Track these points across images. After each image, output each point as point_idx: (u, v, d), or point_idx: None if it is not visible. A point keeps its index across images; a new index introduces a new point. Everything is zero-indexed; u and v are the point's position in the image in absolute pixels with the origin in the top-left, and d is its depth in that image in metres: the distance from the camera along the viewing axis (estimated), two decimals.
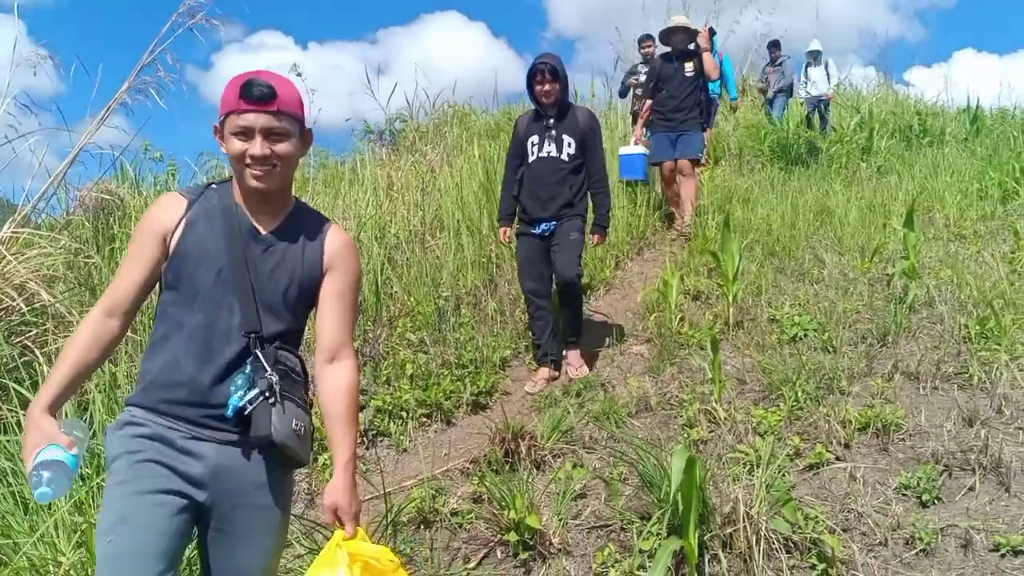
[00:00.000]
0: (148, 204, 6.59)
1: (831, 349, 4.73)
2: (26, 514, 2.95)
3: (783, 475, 3.44)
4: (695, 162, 7.74)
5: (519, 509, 3.30)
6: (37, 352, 3.90)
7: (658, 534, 3.10)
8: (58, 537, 2.88)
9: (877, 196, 8.07)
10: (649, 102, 7.96)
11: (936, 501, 3.33)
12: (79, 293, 4.77)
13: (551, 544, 3.31)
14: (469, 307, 6.07)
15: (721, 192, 8.79)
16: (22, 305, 4.05)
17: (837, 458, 3.66)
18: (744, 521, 3.03)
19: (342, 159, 10.37)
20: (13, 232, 4.55)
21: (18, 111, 5.18)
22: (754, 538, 3.01)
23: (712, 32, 8.70)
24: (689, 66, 7.59)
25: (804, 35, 27.23)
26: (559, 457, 4.04)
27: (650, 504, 3.35)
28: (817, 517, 3.16)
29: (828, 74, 12.08)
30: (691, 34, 7.66)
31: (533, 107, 5.18)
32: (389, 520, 3.48)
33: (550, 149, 5.02)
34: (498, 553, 3.39)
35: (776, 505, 3.16)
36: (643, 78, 8.97)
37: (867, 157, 10.06)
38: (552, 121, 5.02)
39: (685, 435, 4.01)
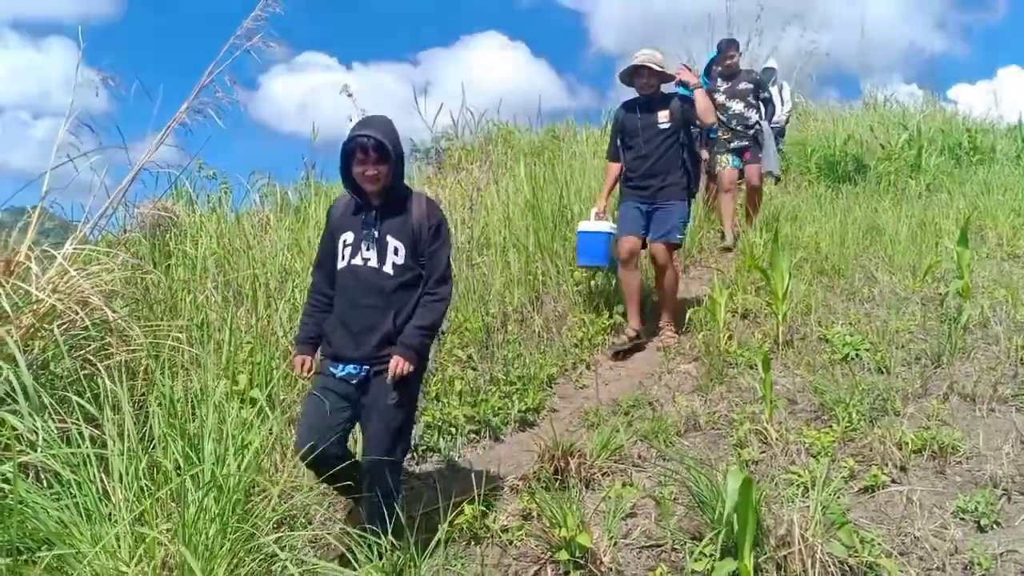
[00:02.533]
0: (203, 222, 6.77)
1: (884, 370, 4.67)
2: (89, 524, 3.01)
3: (838, 497, 3.41)
4: (672, 247, 5.85)
5: (570, 527, 3.30)
6: (99, 365, 3.99)
7: (711, 555, 3.08)
8: (120, 548, 2.94)
9: (927, 214, 7.96)
10: (614, 167, 6.14)
11: (995, 526, 3.28)
12: (138, 308, 4.88)
13: (602, 563, 3.31)
14: (516, 324, 6.10)
15: (769, 209, 8.72)
16: (86, 319, 4.16)
17: (893, 481, 3.61)
18: (799, 544, 3.01)
19: None
20: (75, 248, 4.67)
21: (78, 129, 5.31)
22: (809, 561, 2.99)
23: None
24: (663, 115, 5.86)
25: (850, 53, 26.97)
26: (608, 475, 4.04)
27: (702, 525, 3.33)
28: (873, 541, 3.12)
29: (782, 99, 10.36)
30: (662, 77, 5.94)
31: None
32: (441, 536, 3.50)
33: (368, 256, 3.43)
34: (548, 571, 3.39)
35: (832, 528, 3.13)
36: (722, 98, 8.03)
37: (916, 175, 9.93)
38: (375, 215, 3.45)
39: (736, 455, 3.99)
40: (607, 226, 6.07)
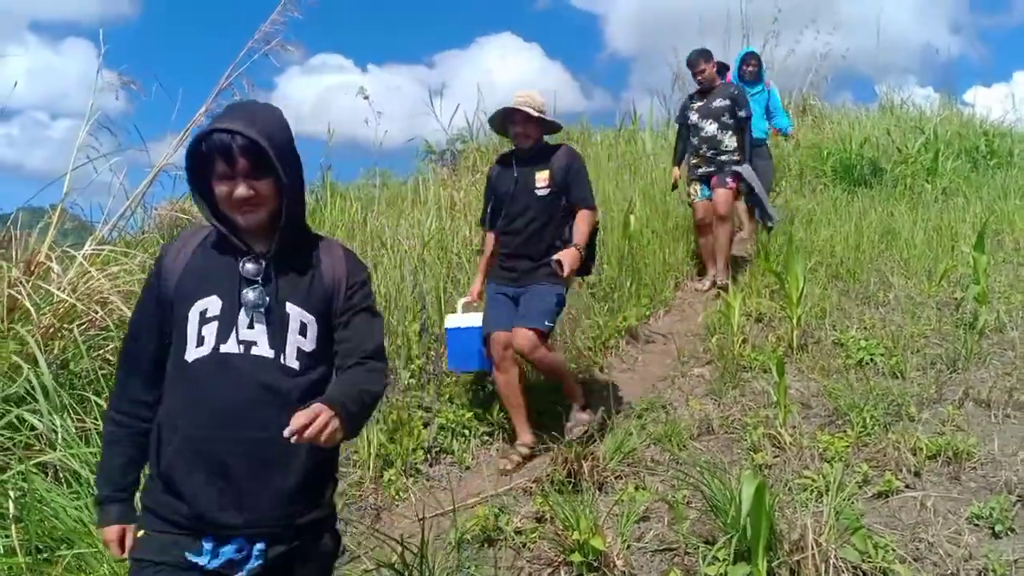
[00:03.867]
0: None
1: (899, 374, 4.66)
2: None
3: (852, 503, 3.40)
4: (541, 335, 4.40)
5: (583, 530, 3.31)
6: None
7: (724, 560, 3.08)
8: None
9: (944, 218, 7.92)
10: (490, 236, 4.83)
11: (1009, 532, 3.26)
12: None
13: (615, 566, 3.31)
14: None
15: (783, 213, 8.70)
16: (107, 319, 4.21)
17: (907, 486, 3.60)
18: (813, 549, 3.00)
19: (404, 179, 10.53)
20: (94, 249, 4.72)
21: (98, 131, 5.37)
22: (823, 567, 2.98)
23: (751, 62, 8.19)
24: (541, 178, 4.52)
25: (865, 56, 26.84)
26: (621, 479, 4.05)
27: (715, 529, 3.34)
28: (887, 546, 3.11)
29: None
30: (544, 127, 4.62)
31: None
32: (455, 537, 3.53)
33: (253, 338, 1.99)
34: (562, 574, 3.40)
35: (845, 533, 3.12)
36: (695, 117, 7.04)
37: (932, 179, 9.87)
38: (264, 267, 2.03)
39: (749, 459, 3.99)
40: (476, 319, 4.69)
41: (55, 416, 3.58)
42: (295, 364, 1.97)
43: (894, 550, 3.12)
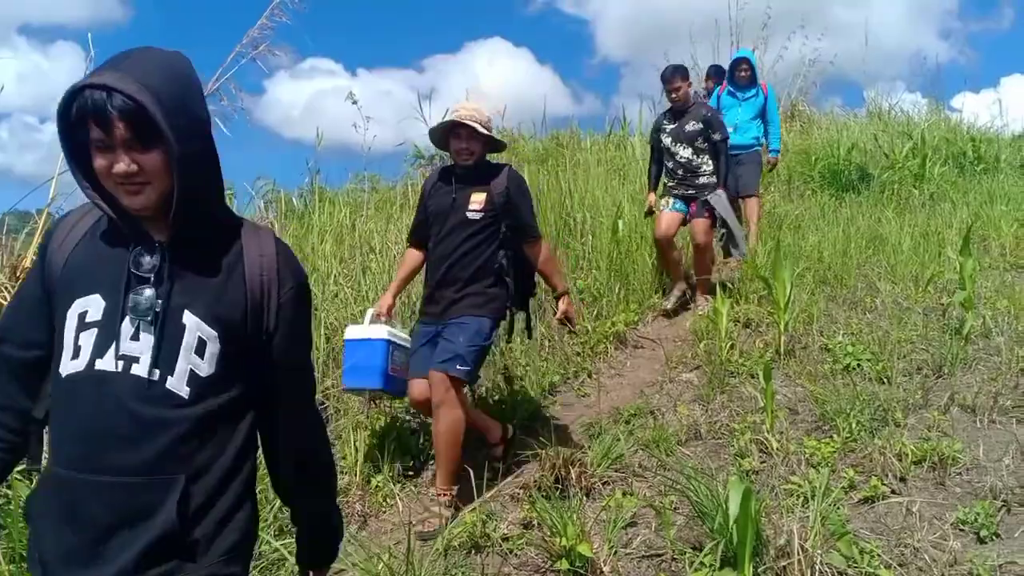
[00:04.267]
0: None
1: (885, 380, 4.68)
2: None
3: (838, 508, 3.41)
4: (458, 381, 3.95)
5: (570, 536, 3.31)
6: None
7: (711, 566, 3.09)
8: None
9: (931, 224, 7.97)
10: (413, 254, 4.47)
11: (994, 537, 3.27)
12: None
13: (602, 573, 3.31)
14: (518, 332, 6.10)
15: (771, 219, 8.74)
16: None
17: (893, 491, 3.62)
18: (799, 554, 3.01)
19: (393, 183, 10.52)
20: None
21: None
22: (809, 572, 2.99)
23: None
24: (477, 199, 4.10)
25: (854, 61, 27.01)
26: (609, 484, 4.05)
27: (702, 534, 3.35)
28: (873, 552, 3.13)
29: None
30: (488, 144, 4.22)
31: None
32: (441, 544, 3.52)
33: (136, 352, 1.53)
34: None
35: (831, 539, 3.14)
36: (667, 140, 6.55)
37: (920, 184, 9.93)
38: (160, 259, 1.56)
39: (737, 465, 4.00)
40: (385, 331, 4.25)
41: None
42: (184, 391, 1.52)
43: (880, 555, 3.12)
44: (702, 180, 6.40)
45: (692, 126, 6.37)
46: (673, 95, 6.47)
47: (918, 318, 5.50)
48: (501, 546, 3.60)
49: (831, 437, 4.08)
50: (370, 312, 4.43)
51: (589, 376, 5.67)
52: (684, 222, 6.53)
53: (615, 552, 3.43)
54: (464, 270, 4.10)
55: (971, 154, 11.17)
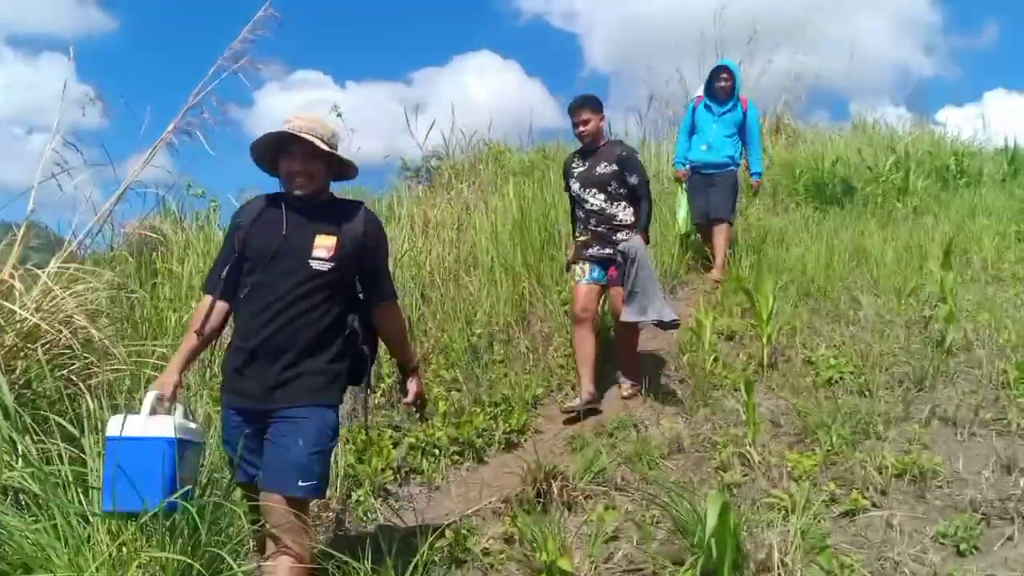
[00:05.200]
0: (190, 240, 6.77)
1: (867, 393, 4.69)
2: (67, 548, 2.99)
3: (818, 522, 3.42)
4: (304, 502, 2.98)
5: (551, 551, 3.30)
6: (81, 385, 3.98)
7: None
8: (97, 572, 2.92)
9: (913, 237, 8.00)
10: (213, 305, 3.15)
11: (974, 551, 3.28)
12: (122, 327, 4.87)
13: None
14: (502, 344, 6.10)
15: (755, 231, 8.77)
16: (71, 338, 4.15)
17: (873, 505, 3.62)
18: (779, 569, 3.01)
19: (380, 196, 10.51)
20: (60, 266, 4.66)
21: (64, 147, 5.32)
22: None
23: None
24: (324, 245, 3.03)
25: (840, 75, 27.19)
26: (591, 498, 4.04)
27: (683, 549, 3.33)
28: (853, 566, 3.13)
29: None
30: (330, 167, 3.15)
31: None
32: (422, 559, 3.49)
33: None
34: None
35: (811, 552, 3.14)
36: (576, 186, 5.49)
37: (903, 197, 9.98)
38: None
39: (719, 478, 4.00)
40: (171, 425, 2.88)
41: (16, 438, 3.52)
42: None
43: (860, 569, 3.13)
44: (621, 235, 5.26)
45: (604, 168, 5.30)
46: (580, 129, 5.38)
47: (900, 331, 5.52)
48: (482, 561, 3.59)
49: (813, 450, 4.09)
50: (151, 395, 2.96)
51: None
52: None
53: (596, 567, 3.42)
54: (299, 336, 2.96)
55: (954, 168, 11.25)
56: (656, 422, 4.82)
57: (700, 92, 7.78)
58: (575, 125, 5.40)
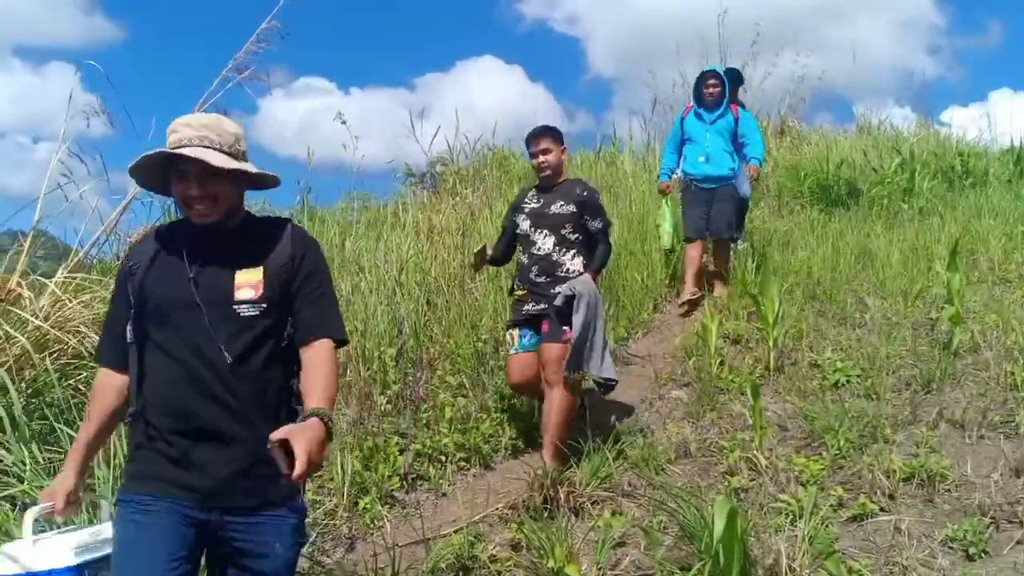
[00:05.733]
0: None
1: (874, 396, 4.68)
2: None
3: (826, 526, 3.41)
4: None
5: (558, 558, 3.30)
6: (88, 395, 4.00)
7: None
8: None
9: (920, 239, 7.98)
10: (109, 379, 2.32)
11: (983, 555, 3.27)
12: None
13: None
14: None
15: (760, 235, 8.75)
16: (79, 347, 4.17)
17: (882, 509, 3.61)
18: (787, 574, 3.01)
19: (384, 202, 10.53)
20: (66, 276, 4.69)
21: (70, 157, 5.36)
22: None
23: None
24: (247, 280, 2.22)
25: (843, 77, 27.14)
26: (598, 504, 4.03)
27: (690, 554, 3.33)
28: (861, 571, 3.12)
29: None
30: (240, 182, 2.29)
31: None
32: (428, 567, 3.50)
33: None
34: None
35: (819, 558, 3.12)
36: (525, 224, 4.73)
37: (909, 199, 9.96)
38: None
39: (726, 483, 3.99)
40: (69, 550, 2.20)
41: (23, 447, 3.53)
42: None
43: (868, 574, 3.12)
44: (558, 289, 4.50)
45: (561, 208, 4.60)
46: (540, 160, 4.66)
47: (907, 333, 5.50)
48: (489, 568, 3.58)
49: (820, 454, 4.08)
50: (32, 513, 2.22)
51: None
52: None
53: (603, 573, 3.41)
54: (234, 405, 2.16)
55: (960, 168, 11.21)
56: (663, 427, 4.81)
57: (690, 103, 7.26)
58: (533, 155, 4.72)
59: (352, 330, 5.32)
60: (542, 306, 4.55)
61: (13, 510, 3.34)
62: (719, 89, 6.91)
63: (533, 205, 4.73)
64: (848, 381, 4.89)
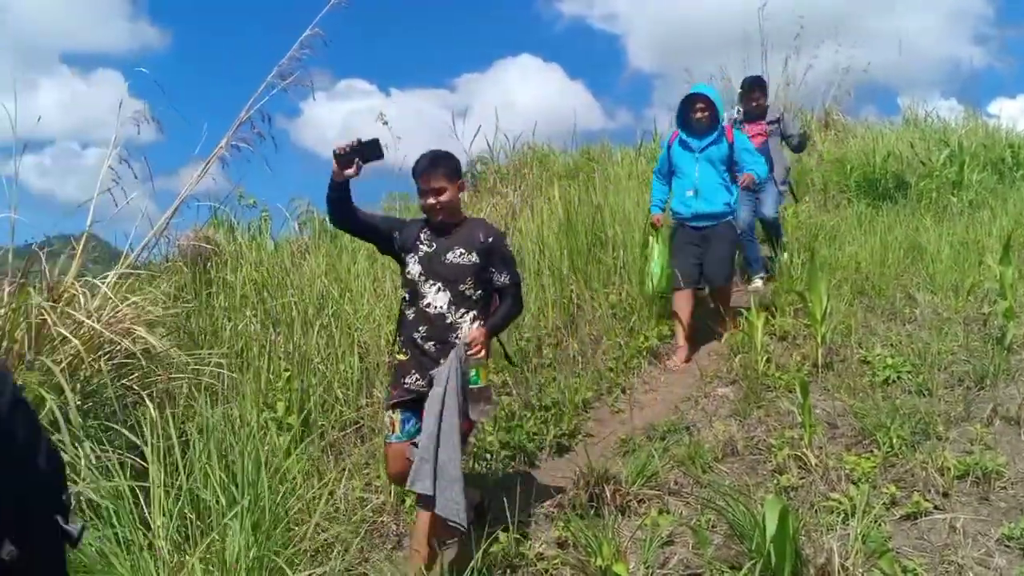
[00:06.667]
0: (243, 250, 6.89)
1: (926, 392, 4.59)
2: (128, 555, 3.06)
3: (879, 525, 3.35)
4: None
5: (605, 556, 3.28)
6: (142, 394, 4.07)
7: None
8: None
9: (970, 232, 7.82)
10: None
11: None
12: (179, 336, 4.97)
13: None
14: (551, 348, 6.09)
15: (806, 229, 8.64)
16: (132, 347, 4.25)
17: (935, 507, 3.54)
18: (840, 573, 2.96)
19: None
20: (121, 274, 4.78)
21: (120, 163, 5.47)
22: None
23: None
24: None
25: (887, 69, 26.61)
26: (644, 502, 4.01)
27: (740, 554, 3.29)
28: (915, 570, 3.06)
29: (782, 134, 7.69)
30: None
31: None
32: (476, 564, 3.50)
33: None
34: None
35: (872, 557, 3.08)
36: (415, 268, 3.64)
37: (958, 192, 9.76)
38: None
39: (775, 481, 3.94)
40: None
41: (79, 447, 3.60)
42: None
43: (922, 574, 3.06)
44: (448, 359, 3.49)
45: (459, 256, 3.57)
46: (430, 201, 3.58)
47: (959, 328, 5.39)
48: (536, 566, 3.58)
49: (871, 452, 4.01)
50: None
51: (623, 392, 5.63)
52: None
53: (651, 572, 3.39)
54: None
55: (1010, 160, 10.95)
56: (709, 425, 4.77)
57: (675, 129, 6.39)
58: (422, 194, 3.60)
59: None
60: (426, 382, 3.53)
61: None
62: (708, 114, 6.00)
63: (426, 249, 3.63)
64: (899, 378, 4.81)
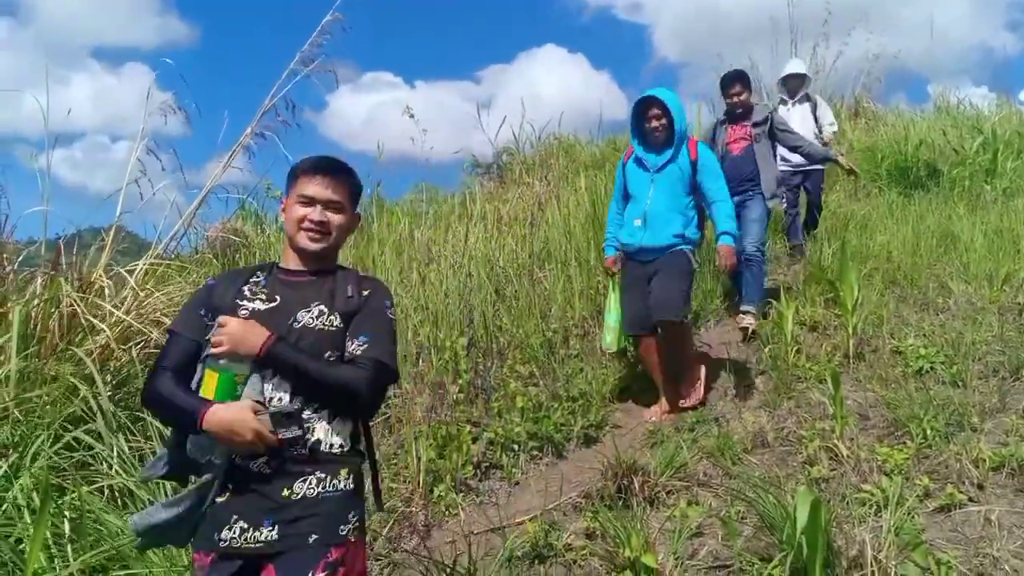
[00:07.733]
0: (271, 241, 6.92)
1: (960, 383, 4.52)
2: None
3: (912, 517, 3.30)
4: None
5: (635, 547, 3.26)
6: None
7: None
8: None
9: (1004, 221, 7.68)
10: None
11: None
12: None
13: None
14: (578, 339, 6.07)
15: (837, 218, 8.53)
16: (161, 338, 4.29)
17: (970, 499, 3.48)
18: (872, 566, 2.92)
19: (452, 194, 10.60)
20: (151, 263, 4.83)
21: (147, 155, 5.52)
22: None
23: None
24: None
25: (918, 56, 26.23)
26: (673, 494, 3.98)
27: (771, 545, 3.26)
28: (950, 563, 3.01)
29: (817, 121, 7.65)
30: None
31: None
32: (504, 555, 3.50)
33: None
34: None
35: (906, 549, 3.04)
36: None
37: (991, 180, 9.59)
38: None
39: (805, 473, 3.90)
40: None
41: (112, 437, 3.64)
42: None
43: (957, 566, 3.02)
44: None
45: (318, 313, 2.27)
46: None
47: (993, 318, 5.31)
48: (564, 556, 3.56)
49: (904, 443, 3.96)
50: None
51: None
52: None
53: (681, 563, 3.36)
54: None
55: None
56: (738, 416, 4.73)
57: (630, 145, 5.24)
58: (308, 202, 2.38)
59: (424, 320, 5.35)
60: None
61: (101, 497, 3.44)
62: (664, 121, 4.94)
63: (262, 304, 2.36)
64: (932, 368, 4.74)
